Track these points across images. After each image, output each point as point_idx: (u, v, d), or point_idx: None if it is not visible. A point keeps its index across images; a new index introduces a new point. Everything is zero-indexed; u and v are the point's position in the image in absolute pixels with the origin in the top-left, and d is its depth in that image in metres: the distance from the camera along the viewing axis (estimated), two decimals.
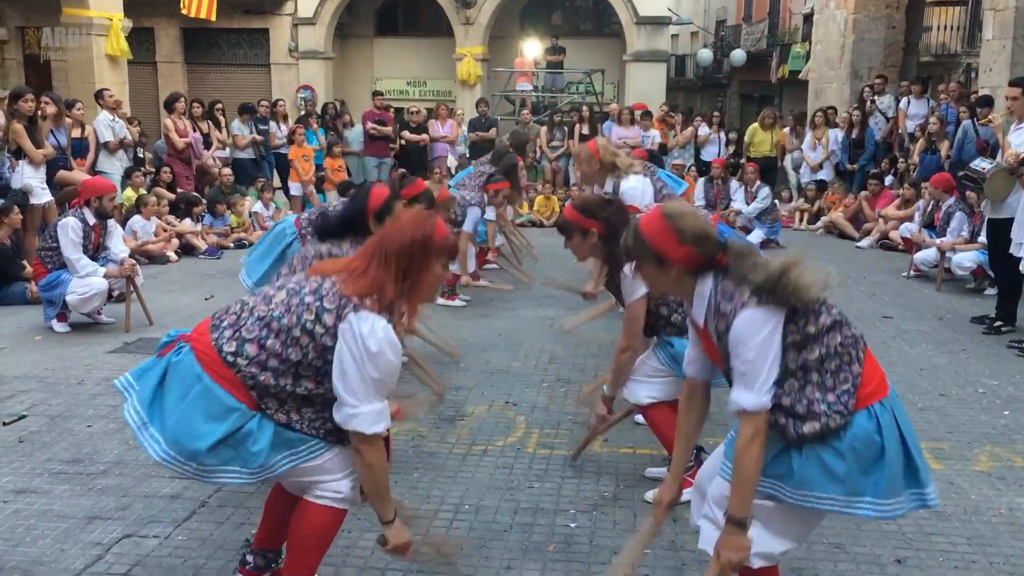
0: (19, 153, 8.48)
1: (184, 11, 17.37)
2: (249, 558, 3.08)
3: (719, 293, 2.58)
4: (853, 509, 2.57)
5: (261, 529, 3.09)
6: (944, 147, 11.50)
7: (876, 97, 13.45)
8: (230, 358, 2.64)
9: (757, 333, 2.49)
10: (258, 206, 11.82)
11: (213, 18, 17.60)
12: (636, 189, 5.85)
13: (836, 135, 13.44)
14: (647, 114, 14.38)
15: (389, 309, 2.64)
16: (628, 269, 3.48)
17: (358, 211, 3.98)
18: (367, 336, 2.56)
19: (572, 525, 3.74)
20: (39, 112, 8.72)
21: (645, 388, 4.01)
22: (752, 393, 2.50)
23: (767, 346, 2.49)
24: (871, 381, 2.60)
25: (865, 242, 11.60)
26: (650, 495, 3.90)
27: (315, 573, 2.90)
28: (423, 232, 2.70)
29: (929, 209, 9.97)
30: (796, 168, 13.98)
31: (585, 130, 14.69)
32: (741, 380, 2.52)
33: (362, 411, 2.59)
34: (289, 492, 2.96)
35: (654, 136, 13.96)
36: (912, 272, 9.37)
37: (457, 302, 7.85)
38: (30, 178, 8.50)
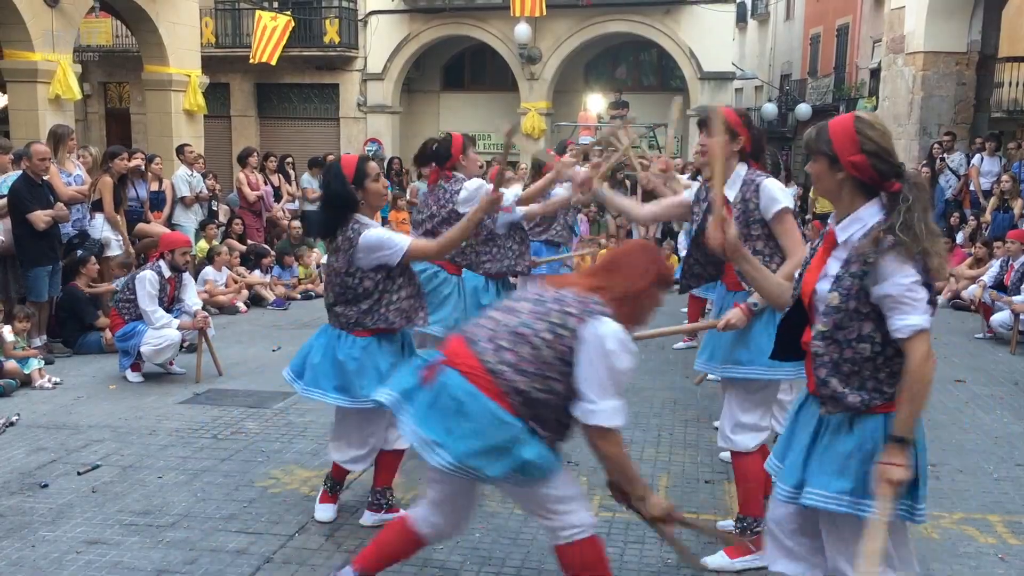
0: (97, 205, 8.81)
1: (252, 60, 18.01)
2: None
3: (878, 243, 2.56)
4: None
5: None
6: (1017, 205, 11.28)
7: (946, 155, 13.26)
8: (495, 367, 2.86)
9: (910, 271, 2.52)
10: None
11: (274, 62, 18.16)
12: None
13: None
14: None
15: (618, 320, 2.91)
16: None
17: (339, 193, 4.08)
18: (606, 337, 2.81)
19: None
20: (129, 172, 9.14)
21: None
22: (919, 313, 2.52)
23: (918, 283, 2.53)
24: None
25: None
26: (711, 562, 3.84)
27: None
28: (660, 272, 3.02)
29: (998, 271, 9.75)
30: None
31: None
32: (900, 308, 2.53)
33: (601, 407, 2.82)
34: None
35: None
36: (987, 333, 9.14)
37: None
38: (108, 232, 8.82)
